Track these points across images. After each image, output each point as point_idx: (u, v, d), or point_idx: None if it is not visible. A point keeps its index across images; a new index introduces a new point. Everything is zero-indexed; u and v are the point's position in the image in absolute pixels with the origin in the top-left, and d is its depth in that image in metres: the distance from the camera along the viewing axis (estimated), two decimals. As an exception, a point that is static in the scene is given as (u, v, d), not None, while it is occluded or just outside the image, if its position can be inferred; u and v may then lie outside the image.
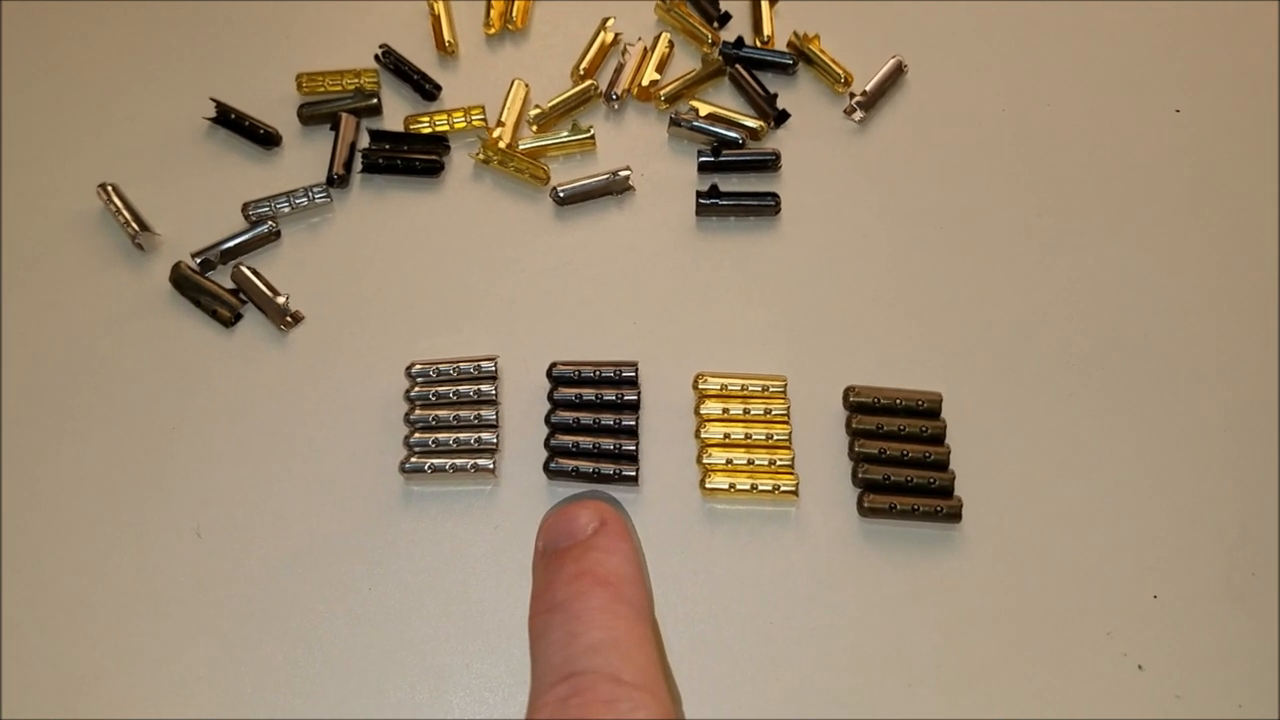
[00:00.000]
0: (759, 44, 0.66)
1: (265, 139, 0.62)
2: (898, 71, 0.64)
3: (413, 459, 0.52)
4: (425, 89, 0.63)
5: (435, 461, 0.52)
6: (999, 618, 0.50)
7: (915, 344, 0.56)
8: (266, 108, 0.63)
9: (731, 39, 0.65)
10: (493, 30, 0.66)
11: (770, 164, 0.61)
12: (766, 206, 0.60)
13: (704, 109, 0.63)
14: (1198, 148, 0.63)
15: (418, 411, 0.53)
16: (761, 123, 0.62)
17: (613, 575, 0.28)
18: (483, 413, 0.53)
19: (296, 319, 0.56)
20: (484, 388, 0.54)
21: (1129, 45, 0.66)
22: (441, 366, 0.54)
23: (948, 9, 0.67)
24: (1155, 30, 0.67)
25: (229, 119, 0.62)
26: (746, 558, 0.51)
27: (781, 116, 0.63)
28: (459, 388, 0.53)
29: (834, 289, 0.58)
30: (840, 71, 0.63)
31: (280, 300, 0.56)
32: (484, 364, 0.54)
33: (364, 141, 0.62)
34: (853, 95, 0.63)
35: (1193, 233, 0.60)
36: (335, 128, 0.61)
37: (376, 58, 0.64)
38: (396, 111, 0.63)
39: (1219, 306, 0.58)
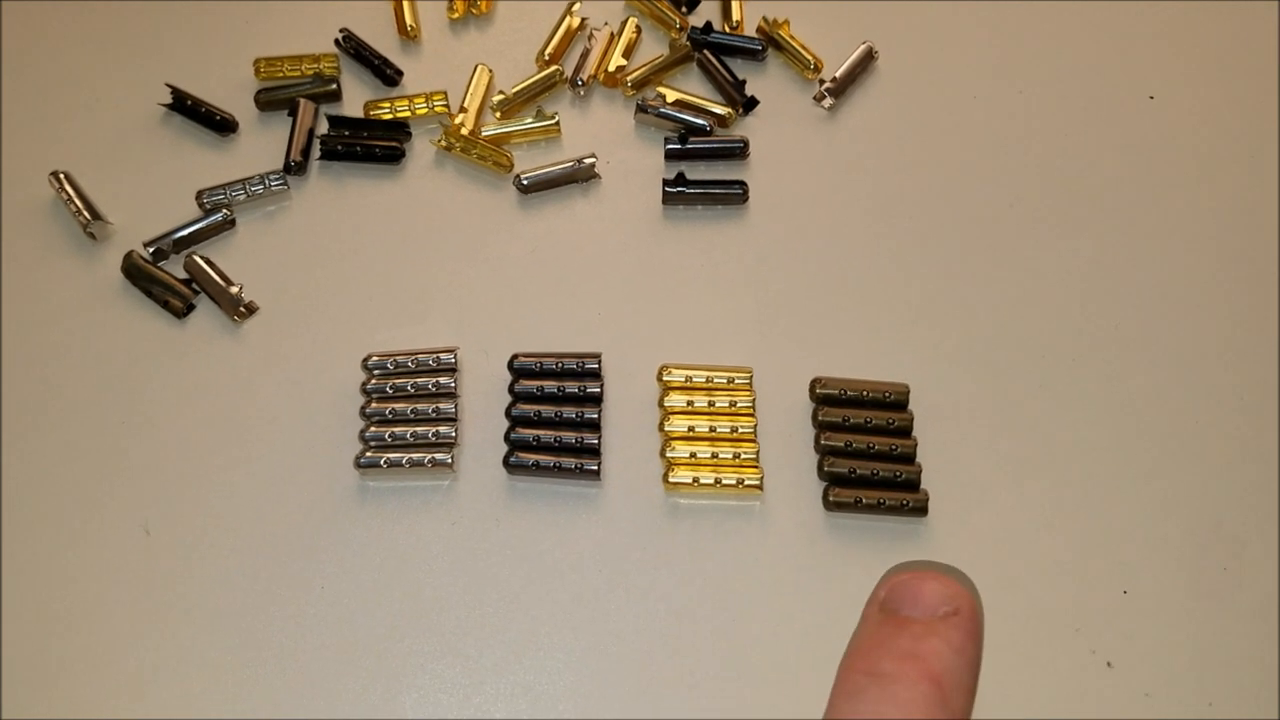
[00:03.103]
0: (727, 29, 0.64)
1: (221, 125, 0.60)
2: (868, 58, 0.63)
3: (368, 453, 0.51)
4: (386, 74, 0.62)
5: (391, 456, 0.50)
6: (966, 614, 0.49)
7: (883, 335, 0.55)
8: (224, 94, 0.61)
9: (700, 24, 0.64)
10: (457, 15, 0.64)
11: (738, 151, 0.60)
12: (734, 195, 0.58)
13: (671, 95, 0.61)
14: (1172, 134, 0.62)
15: (374, 405, 0.52)
16: (730, 109, 0.61)
17: (947, 677, 0.26)
18: (441, 406, 0.52)
19: (250, 310, 0.55)
20: (443, 380, 0.52)
21: (1102, 31, 0.65)
22: (399, 358, 0.52)
23: (920, -6, 0.66)
24: (1129, 16, 0.66)
25: (185, 105, 0.60)
26: (710, 553, 0.50)
27: (750, 103, 0.62)
28: (417, 380, 0.52)
29: (802, 279, 0.57)
30: (810, 57, 0.62)
31: (234, 290, 0.55)
32: (443, 356, 0.53)
33: (323, 128, 0.60)
34: (823, 82, 0.62)
35: (1167, 221, 0.59)
36: (293, 114, 0.60)
37: (337, 42, 0.63)
38: (357, 97, 0.62)
39: (1194, 297, 0.57)
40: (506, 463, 0.51)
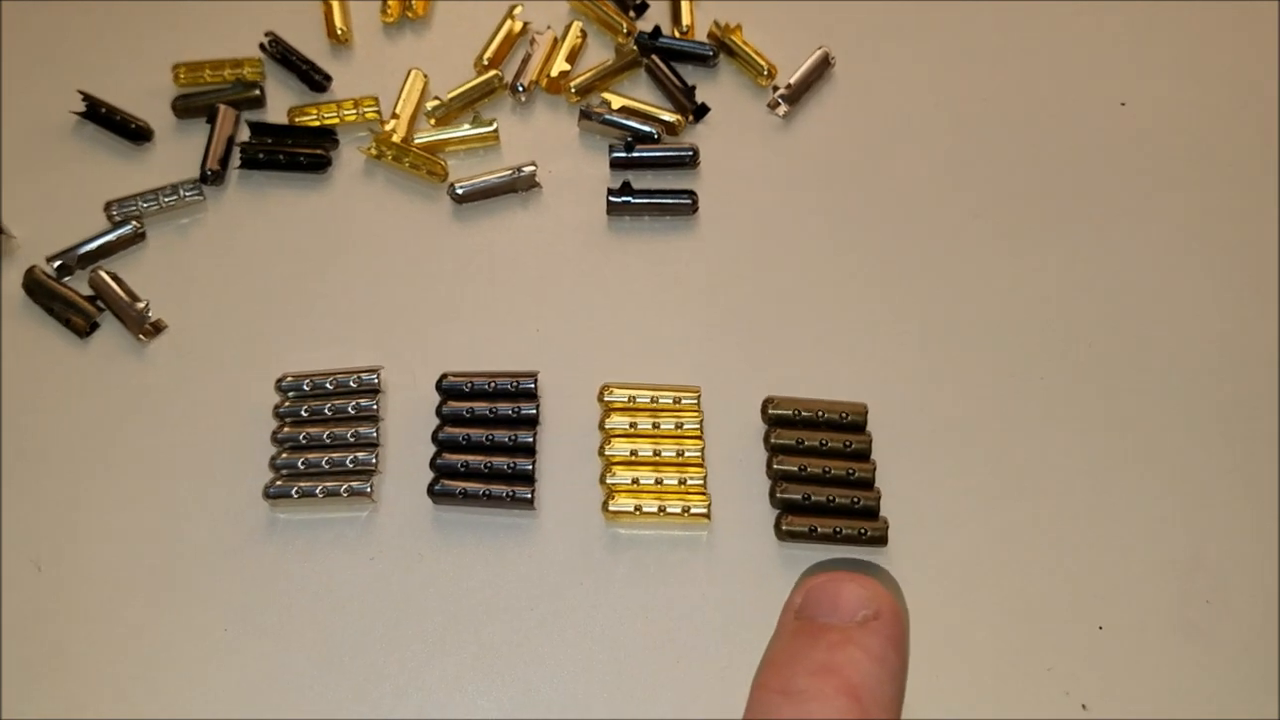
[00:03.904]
0: (677, 34, 0.61)
1: (136, 134, 0.56)
2: (824, 64, 0.60)
3: (279, 482, 0.46)
4: (314, 80, 0.58)
5: (304, 485, 0.46)
6: (928, 652, 0.45)
7: (840, 352, 0.52)
8: (141, 101, 0.58)
9: (648, 28, 0.61)
10: (391, 18, 0.61)
11: (688, 160, 0.57)
12: (683, 205, 0.55)
13: (617, 102, 0.58)
14: (1145, 143, 0.59)
15: (286, 429, 0.48)
16: (679, 117, 0.58)
17: (866, 689, 0.24)
18: (360, 430, 0.48)
19: (158, 328, 0.51)
20: (363, 402, 0.48)
21: (1071, 35, 0.63)
22: (316, 379, 0.49)
23: (879, -1, 0.63)
24: (1098, 20, 0.63)
25: (99, 113, 0.57)
26: (653, 587, 0.46)
27: (700, 110, 0.58)
28: (335, 402, 0.48)
29: (753, 293, 0.53)
30: (763, 63, 0.59)
31: (139, 307, 0.51)
32: (365, 376, 0.49)
33: (243, 135, 0.57)
34: (776, 88, 0.59)
35: (1140, 234, 0.56)
36: (211, 120, 0.56)
37: (262, 46, 0.59)
38: (282, 104, 0.58)
39: (1169, 313, 0.54)
40: (431, 491, 0.47)
